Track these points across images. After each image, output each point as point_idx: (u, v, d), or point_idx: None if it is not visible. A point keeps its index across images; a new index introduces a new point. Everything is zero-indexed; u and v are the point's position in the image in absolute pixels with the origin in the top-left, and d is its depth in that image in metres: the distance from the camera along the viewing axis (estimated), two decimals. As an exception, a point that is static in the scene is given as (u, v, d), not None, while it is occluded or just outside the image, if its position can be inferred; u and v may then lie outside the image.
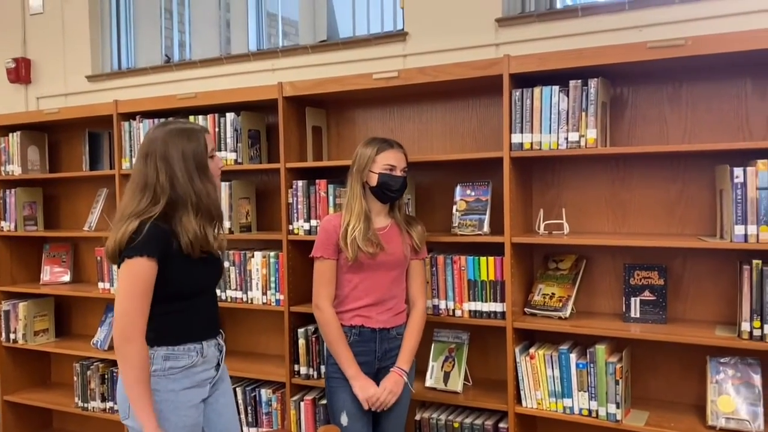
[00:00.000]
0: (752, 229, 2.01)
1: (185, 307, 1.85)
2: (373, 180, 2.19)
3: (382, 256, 2.18)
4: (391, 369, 2.23)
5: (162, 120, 2.81)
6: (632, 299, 2.31)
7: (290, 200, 2.76)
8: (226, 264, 2.89)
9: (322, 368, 2.65)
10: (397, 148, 2.24)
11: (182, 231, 1.78)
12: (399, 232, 2.27)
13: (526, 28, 2.62)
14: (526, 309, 2.46)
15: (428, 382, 2.59)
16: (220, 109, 2.95)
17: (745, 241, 2.02)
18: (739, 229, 2.03)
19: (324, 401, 2.63)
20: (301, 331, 2.74)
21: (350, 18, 3.22)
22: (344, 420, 2.15)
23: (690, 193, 2.33)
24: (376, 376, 2.23)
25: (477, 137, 2.70)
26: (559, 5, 2.70)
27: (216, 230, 1.89)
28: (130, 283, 1.72)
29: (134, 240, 1.73)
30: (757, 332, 2.04)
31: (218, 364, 1.95)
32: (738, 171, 2.03)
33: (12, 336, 3.54)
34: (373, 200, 2.23)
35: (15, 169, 3.55)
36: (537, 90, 2.29)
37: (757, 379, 2.12)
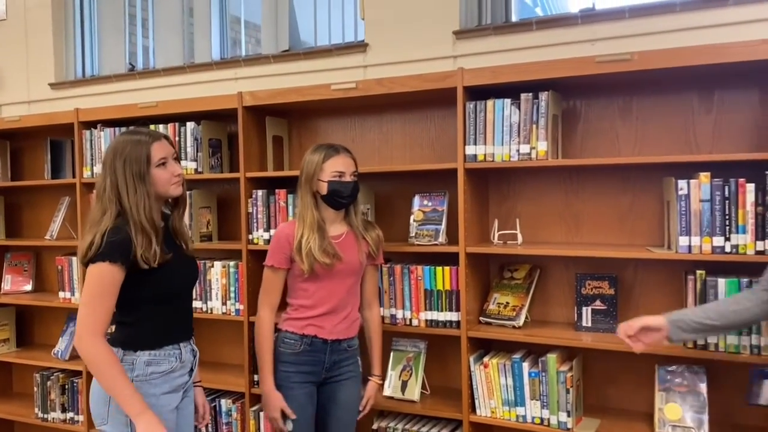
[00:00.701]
0: (696, 240, 2.06)
1: (162, 311, 1.88)
2: (323, 188, 2.16)
3: (339, 265, 2.18)
4: (370, 378, 2.33)
5: (125, 129, 2.81)
6: (584, 308, 2.35)
7: (250, 210, 2.76)
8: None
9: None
10: (343, 153, 2.21)
11: (135, 241, 1.78)
12: (355, 240, 2.26)
13: (482, 40, 2.66)
14: (481, 318, 2.49)
15: (386, 391, 2.60)
16: (182, 118, 2.95)
17: (689, 251, 2.07)
18: (683, 240, 2.08)
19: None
20: (260, 340, 2.74)
21: (312, 28, 3.24)
22: (289, 426, 2.17)
23: (640, 205, 2.38)
24: (321, 386, 2.24)
25: (435, 148, 2.73)
26: (514, 18, 2.74)
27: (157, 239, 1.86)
28: (88, 287, 1.76)
29: (96, 248, 1.75)
30: (701, 341, 2.08)
31: (191, 370, 1.98)
32: (682, 183, 2.08)
33: (-29, 346, 3.50)
34: (326, 208, 2.20)
35: (-25, 177, 3.52)
36: (490, 102, 2.33)
37: (702, 387, 2.16)
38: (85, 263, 1.78)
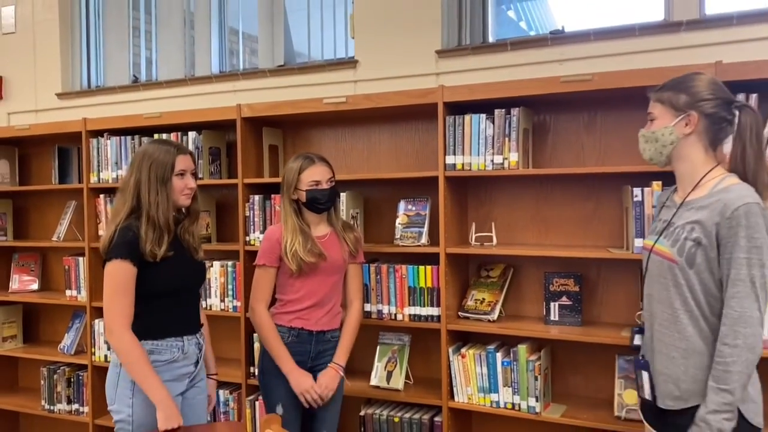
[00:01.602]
0: (649, 242, 2.30)
1: (166, 305, 2.08)
2: (303, 197, 2.37)
3: (323, 263, 2.39)
4: (329, 365, 2.43)
5: (150, 138, 3.06)
6: (552, 304, 2.58)
7: (247, 213, 2.98)
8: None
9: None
10: (319, 162, 2.40)
11: (143, 235, 2.00)
12: (338, 239, 2.47)
13: (462, 59, 2.91)
14: (459, 313, 2.72)
15: (373, 381, 2.82)
16: (184, 128, 3.17)
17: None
18: (638, 242, 2.31)
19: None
20: (256, 335, 2.95)
21: (306, 42, 3.48)
22: (279, 411, 2.37)
23: (602, 210, 2.62)
24: None
25: (419, 157, 2.96)
26: (491, 39, 2.98)
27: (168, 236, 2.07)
28: (107, 283, 1.99)
29: (109, 245, 1.99)
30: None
31: (197, 361, 2.17)
32: (637, 191, 2.32)
33: (-20, 342, 3.68)
34: (309, 213, 2.42)
35: (-15, 182, 3.72)
36: (467, 117, 2.57)
37: (656, 374, 2.40)
38: (104, 258, 2.00)
